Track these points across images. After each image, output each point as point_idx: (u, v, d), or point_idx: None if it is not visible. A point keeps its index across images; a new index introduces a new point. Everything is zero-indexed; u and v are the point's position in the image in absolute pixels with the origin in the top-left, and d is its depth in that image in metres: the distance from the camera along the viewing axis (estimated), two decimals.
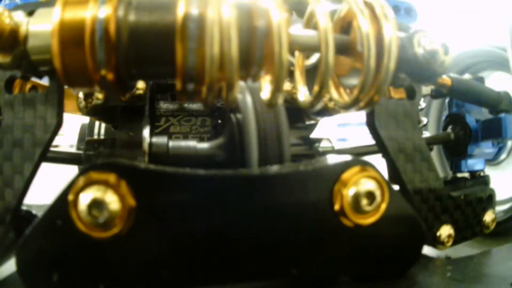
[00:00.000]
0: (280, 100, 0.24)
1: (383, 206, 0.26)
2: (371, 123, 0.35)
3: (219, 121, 0.45)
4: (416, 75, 0.27)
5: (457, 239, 0.37)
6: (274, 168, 0.27)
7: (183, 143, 0.37)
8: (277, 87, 0.22)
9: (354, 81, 0.25)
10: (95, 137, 0.59)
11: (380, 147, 0.35)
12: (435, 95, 0.53)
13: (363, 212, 0.26)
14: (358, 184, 0.25)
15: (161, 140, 0.37)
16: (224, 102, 0.23)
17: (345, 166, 0.26)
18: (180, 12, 0.21)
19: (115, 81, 0.22)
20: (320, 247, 0.26)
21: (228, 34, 0.20)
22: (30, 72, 0.25)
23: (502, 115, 0.50)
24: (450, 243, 0.36)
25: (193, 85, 0.22)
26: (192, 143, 0.37)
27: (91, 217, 0.22)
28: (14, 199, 0.29)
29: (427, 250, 0.34)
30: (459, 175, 0.52)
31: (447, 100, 0.56)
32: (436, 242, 0.35)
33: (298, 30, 0.24)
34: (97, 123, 0.61)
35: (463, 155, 0.52)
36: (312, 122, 0.49)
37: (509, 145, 0.69)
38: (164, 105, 0.48)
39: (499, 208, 0.61)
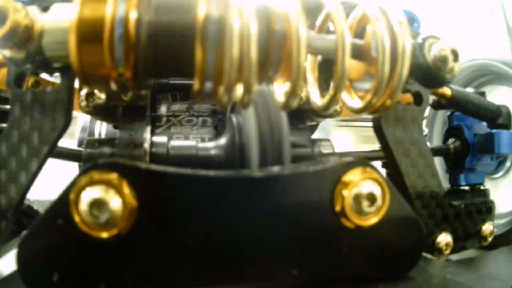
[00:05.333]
0: (296, 103, 0.24)
1: (384, 208, 0.26)
2: (377, 126, 0.35)
3: (220, 122, 0.45)
4: (426, 80, 0.27)
5: (455, 248, 0.37)
6: (275, 169, 0.27)
7: (184, 143, 0.37)
8: (293, 91, 0.23)
9: (366, 85, 0.26)
10: (96, 136, 0.59)
11: (386, 150, 0.35)
12: (436, 105, 0.53)
13: (364, 214, 0.26)
14: (359, 186, 0.25)
15: (162, 140, 0.37)
16: (240, 103, 0.23)
17: (347, 167, 0.26)
18: (200, 13, 0.21)
19: (133, 80, 0.22)
20: (320, 248, 0.26)
21: (248, 36, 0.21)
22: (42, 68, 0.25)
23: (496, 130, 0.51)
24: (448, 252, 0.36)
25: (211, 85, 0.22)
26: (193, 143, 0.37)
27: (92, 216, 0.22)
28: (17, 194, 0.29)
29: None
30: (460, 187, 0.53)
31: (447, 113, 0.57)
32: (434, 249, 0.35)
33: (314, 34, 0.24)
34: (98, 122, 0.61)
35: (462, 168, 0.52)
36: (313, 123, 0.49)
37: (509, 159, 0.69)
38: (165, 105, 0.48)
39: (499, 221, 0.61)
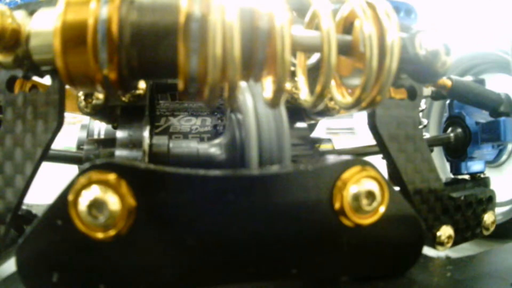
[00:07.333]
0: (283, 100, 0.24)
1: (383, 206, 0.26)
2: (372, 123, 0.35)
3: (219, 121, 0.45)
4: (418, 75, 0.27)
5: (457, 240, 0.37)
6: (274, 168, 0.27)
7: (184, 143, 0.37)
8: (279, 88, 0.22)
9: (356, 81, 0.25)
10: (95, 137, 0.59)
11: (381, 147, 0.35)
12: (435, 96, 0.53)
13: (363, 212, 0.26)
14: (358, 184, 0.25)
15: (161, 140, 0.37)
16: (226, 102, 0.23)
17: (345, 165, 0.26)
18: (182, 12, 0.20)
19: (117, 81, 0.22)
20: (320, 246, 0.26)
21: (230, 34, 0.20)
22: (31, 71, 0.25)
23: (501, 118, 0.50)
24: (450, 244, 0.36)
25: (195, 85, 0.22)
26: (192, 143, 0.37)
27: (91, 217, 0.22)
28: (14, 198, 0.29)
29: (427, 249, 0.34)
30: (460, 177, 0.52)
31: (447, 102, 0.57)
32: (435, 243, 0.35)
33: (300, 31, 0.24)
34: (97, 122, 0.61)
35: (463, 157, 0.52)
36: (312, 122, 0.49)
37: (509, 147, 0.69)
38: (164, 105, 0.48)
39: (499, 210, 0.61)
